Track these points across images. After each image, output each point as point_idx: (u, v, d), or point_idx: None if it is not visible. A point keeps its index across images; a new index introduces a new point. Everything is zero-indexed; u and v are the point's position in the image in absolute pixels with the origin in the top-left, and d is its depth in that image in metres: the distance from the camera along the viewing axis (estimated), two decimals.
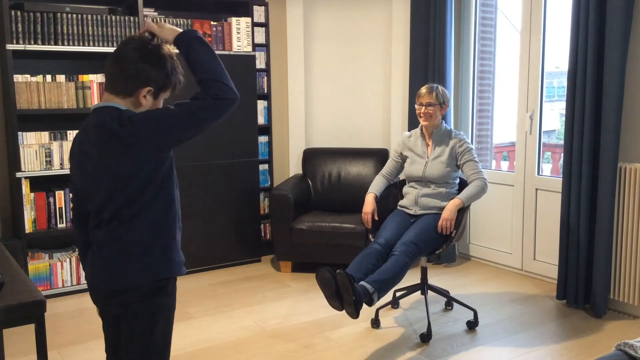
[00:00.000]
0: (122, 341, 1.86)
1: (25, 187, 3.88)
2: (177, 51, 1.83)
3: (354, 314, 2.91)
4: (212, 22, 4.46)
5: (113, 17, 4.07)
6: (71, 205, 1.95)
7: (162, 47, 1.81)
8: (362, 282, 3.02)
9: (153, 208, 1.78)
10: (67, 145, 4.00)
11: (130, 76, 1.76)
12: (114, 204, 1.77)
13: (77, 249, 2.02)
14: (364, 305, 2.98)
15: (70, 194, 1.89)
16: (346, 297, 2.91)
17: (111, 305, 1.86)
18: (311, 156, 4.95)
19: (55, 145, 3.97)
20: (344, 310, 2.97)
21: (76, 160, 1.84)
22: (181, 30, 1.80)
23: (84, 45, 3.99)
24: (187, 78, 1.87)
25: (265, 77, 4.88)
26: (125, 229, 1.78)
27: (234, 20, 4.54)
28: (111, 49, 4.04)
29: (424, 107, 3.50)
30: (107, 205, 1.78)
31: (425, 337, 3.28)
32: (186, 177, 4.42)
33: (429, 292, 3.56)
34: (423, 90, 3.54)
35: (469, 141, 3.60)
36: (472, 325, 3.47)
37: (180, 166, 4.33)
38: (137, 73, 1.75)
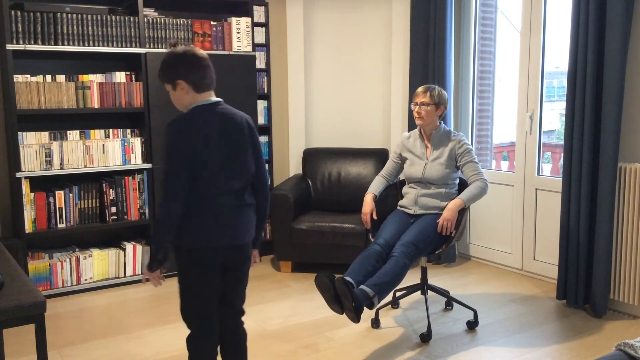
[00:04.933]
0: (238, 285, 2.43)
1: (25, 187, 3.88)
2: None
3: (355, 318, 2.92)
4: (212, 22, 4.46)
5: (113, 17, 4.07)
6: (182, 180, 2.22)
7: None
8: (362, 286, 3.02)
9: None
10: (67, 145, 4.00)
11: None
12: (245, 177, 2.32)
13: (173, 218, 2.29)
14: (365, 308, 2.99)
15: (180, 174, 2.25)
16: (346, 303, 2.92)
17: (242, 254, 2.39)
18: (311, 156, 4.95)
19: (55, 145, 3.97)
20: (344, 314, 2.98)
21: (213, 138, 2.24)
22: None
23: (84, 45, 3.99)
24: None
25: (265, 77, 4.88)
26: (251, 198, 2.37)
27: (234, 20, 4.54)
28: (111, 49, 4.07)
29: (418, 106, 3.50)
30: (240, 177, 2.31)
31: (425, 337, 3.28)
32: None
33: (429, 292, 3.56)
34: (419, 89, 3.54)
35: (468, 142, 3.59)
36: (472, 325, 3.47)
37: None
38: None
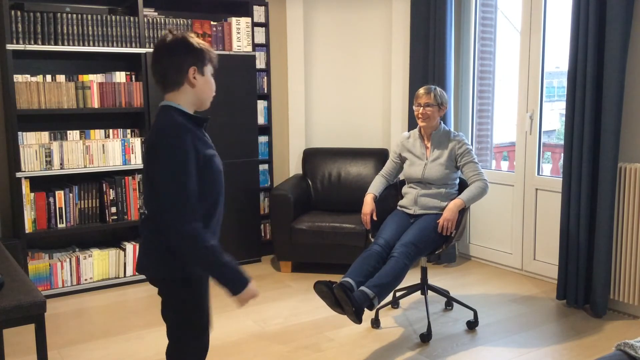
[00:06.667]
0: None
1: (25, 187, 3.88)
2: None
3: (357, 320, 2.96)
4: (212, 22, 4.46)
5: (113, 17, 4.07)
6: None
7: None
8: (362, 287, 3.03)
9: None
10: (67, 145, 4.00)
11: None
12: (146, 203, 2.13)
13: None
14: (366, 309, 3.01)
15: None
16: (346, 308, 2.95)
17: (159, 290, 2.11)
18: (311, 156, 4.95)
19: (55, 145, 3.97)
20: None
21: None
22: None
23: (84, 45, 3.99)
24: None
25: (265, 77, 4.88)
26: (145, 229, 2.15)
27: (234, 20, 4.54)
28: (111, 49, 4.07)
29: (422, 108, 3.50)
30: (145, 203, 2.12)
31: (425, 337, 3.28)
32: None
33: (429, 292, 3.57)
34: (421, 91, 3.54)
35: (468, 142, 3.59)
36: (472, 325, 3.47)
37: None
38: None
